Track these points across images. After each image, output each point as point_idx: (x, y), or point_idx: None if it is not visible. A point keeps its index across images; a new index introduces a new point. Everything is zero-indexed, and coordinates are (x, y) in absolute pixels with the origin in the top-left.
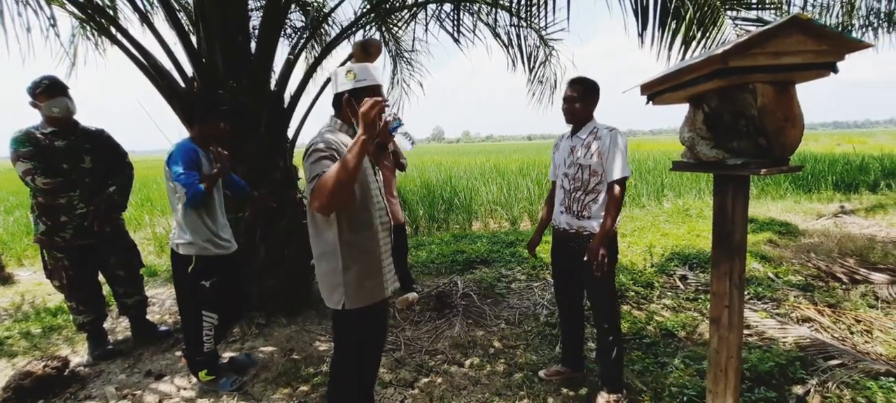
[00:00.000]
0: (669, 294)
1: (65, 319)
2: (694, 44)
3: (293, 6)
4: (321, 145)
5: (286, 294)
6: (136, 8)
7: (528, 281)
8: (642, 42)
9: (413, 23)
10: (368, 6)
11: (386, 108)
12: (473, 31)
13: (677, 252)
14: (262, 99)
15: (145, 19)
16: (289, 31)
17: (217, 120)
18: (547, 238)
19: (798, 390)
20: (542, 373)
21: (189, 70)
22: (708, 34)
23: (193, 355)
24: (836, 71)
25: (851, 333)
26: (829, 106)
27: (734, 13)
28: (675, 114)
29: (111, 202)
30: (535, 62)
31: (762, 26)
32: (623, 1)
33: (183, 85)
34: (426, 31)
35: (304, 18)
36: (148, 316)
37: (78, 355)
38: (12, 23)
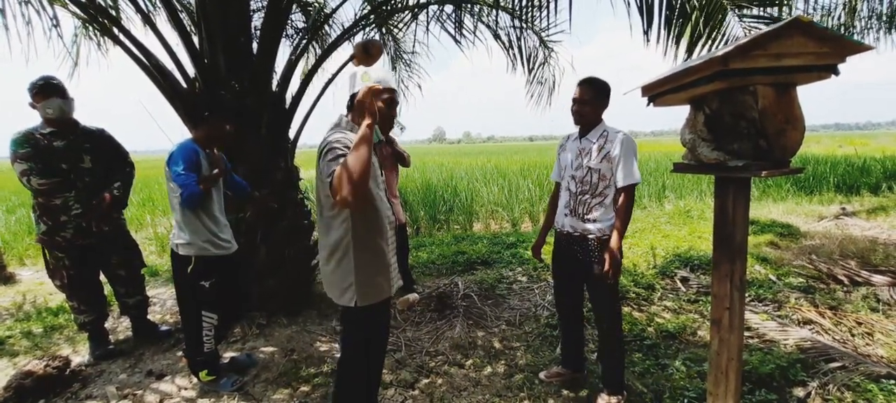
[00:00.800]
0: (670, 295)
1: (66, 319)
2: (701, 42)
3: (294, 7)
4: (338, 144)
5: (287, 294)
6: (138, 8)
7: (529, 283)
8: (647, 40)
9: (414, 24)
10: (369, 7)
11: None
12: (474, 33)
13: (678, 253)
14: (264, 99)
15: (147, 20)
16: (290, 32)
17: (222, 122)
18: (547, 241)
19: (799, 392)
20: (542, 375)
21: (191, 70)
22: (715, 32)
23: (194, 355)
24: (837, 73)
25: (852, 335)
26: (830, 108)
27: (741, 11)
28: (676, 115)
29: (113, 199)
30: (534, 63)
31: (771, 23)
32: None
33: (185, 85)
34: (427, 31)
35: (305, 19)
36: (149, 316)
37: (79, 355)
38: (14, 22)
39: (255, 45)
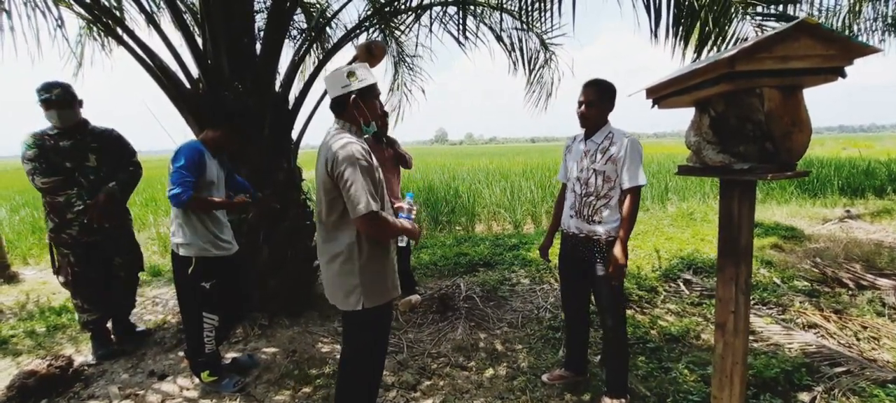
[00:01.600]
0: (674, 298)
1: (69, 318)
2: (710, 41)
3: (297, 8)
4: (361, 156)
5: (288, 295)
6: (142, 9)
7: (532, 284)
8: (656, 39)
9: (417, 25)
10: (372, 8)
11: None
12: (476, 34)
13: (682, 256)
14: (267, 100)
15: (151, 20)
16: (293, 33)
17: (236, 133)
18: (555, 240)
19: (804, 397)
20: (545, 377)
21: (194, 71)
22: (724, 30)
23: (195, 356)
24: (844, 75)
25: (858, 340)
26: (835, 110)
27: (751, 9)
28: (679, 117)
29: (110, 195)
30: (535, 65)
31: (782, 20)
32: None
33: (188, 86)
34: (430, 32)
35: (307, 21)
36: (151, 316)
37: (82, 354)
38: (20, 22)
39: (258, 46)
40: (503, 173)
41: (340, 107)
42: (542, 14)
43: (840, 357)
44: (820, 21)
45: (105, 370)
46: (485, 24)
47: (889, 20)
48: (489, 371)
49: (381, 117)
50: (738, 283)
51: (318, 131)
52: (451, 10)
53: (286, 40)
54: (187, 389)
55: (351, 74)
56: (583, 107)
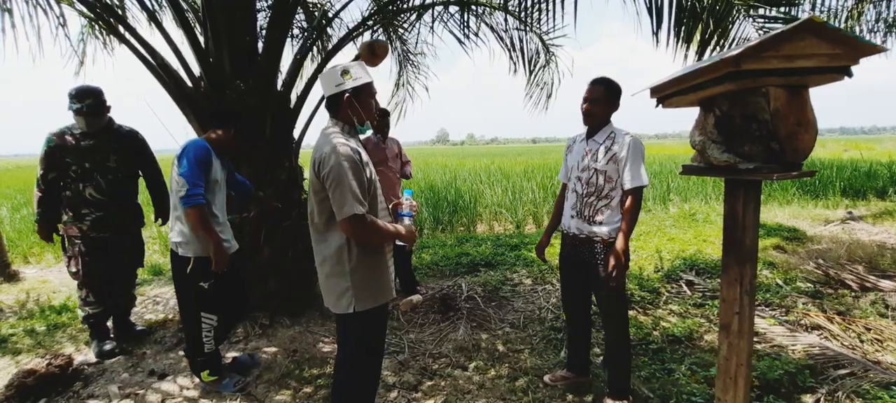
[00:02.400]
0: (676, 299)
1: (69, 317)
2: (712, 43)
3: (299, 7)
4: (349, 157)
5: (289, 294)
6: (144, 7)
7: (534, 285)
8: (657, 41)
9: (419, 24)
10: (375, 7)
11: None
12: (477, 34)
13: (684, 257)
14: (269, 99)
15: (153, 18)
16: (295, 31)
17: (241, 138)
18: (551, 243)
19: (808, 399)
20: (547, 378)
21: (196, 69)
22: (726, 32)
23: (194, 355)
24: (850, 75)
25: (861, 341)
26: (836, 112)
27: (754, 12)
28: (682, 118)
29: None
30: (535, 66)
31: (783, 23)
32: (637, 0)
33: (190, 84)
34: (431, 31)
35: (308, 21)
36: (151, 315)
37: (82, 353)
38: (22, 21)
39: (260, 45)
40: (505, 173)
41: (335, 105)
42: (546, 14)
43: (844, 359)
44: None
45: (105, 369)
46: (486, 23)
47: (891, 22)
48: (491, 372)
49: (378, 117)
50: (743, 284)
51: (319, 130)
52: (453, 9)
53: (288, 39)
54: (187, 388)
55: (345, 73)
56: (588, 104)
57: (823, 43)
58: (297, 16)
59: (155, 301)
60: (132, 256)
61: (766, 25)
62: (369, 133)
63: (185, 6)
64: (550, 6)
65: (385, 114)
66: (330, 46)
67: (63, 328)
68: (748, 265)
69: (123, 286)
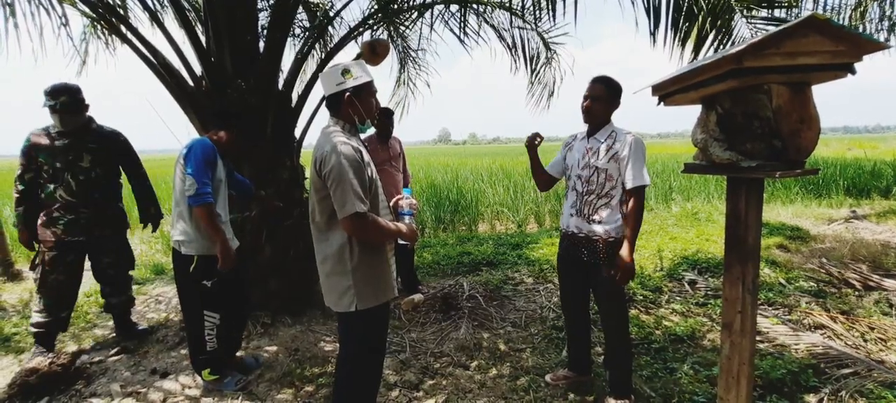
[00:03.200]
0: (678, 298)
1: (72, 316)
2: (707, 43)
3: (300, 6)
4: (350, 156)
5: (291, 293)
6: (145, 6)
7: (535, 284)
8: (654, 41)
9: (420, 23)
10: (376, 6)
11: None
12: (478, 33)
13: (686, 256)
14: (270, 98)
15: (155, 18)
16: (297, 31)
17: (243, 138)
18: (552, 242)
19: (810, 398)
20: (548, 378)
21: (198, 69)
22: (721, 33)
23: (196, 354)
24: (853, 72)
25: (865, 341)
26: (839, 110)
27: (749, 12)
28: (684, 117)
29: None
30: (536, 64)
31: (778, 25)
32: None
33: (192, 84)
34: (432, 30)
35: (310, 20)
36: (154, 313)
37: (84, 352)
38: (25, 21)
39: (261, 45)
40: (506, 173)
41: (336, 104)
42: (547, 13)
43: (847, 359)
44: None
45: (107, 367)
46: (487, 22)
47: (895, 20)
48: (492, 371)
49: (380, 116)
50: (745, 283)
51: (320, 130)
52: (454, 7)
53: (289, 38)
54: (189, 387)
55: (346, 72)
56: (588, 101)
57: (826, 40)
58: (298, 15)
59: (157, 300)
60: (117, 258)
61: (762, 27)
62: (371, 132)
63: (186, 6)
64: (551, 4)
65: (388, 114)
66: (331, 45)
67: None
68: (751, 263)
69: (116, 288)
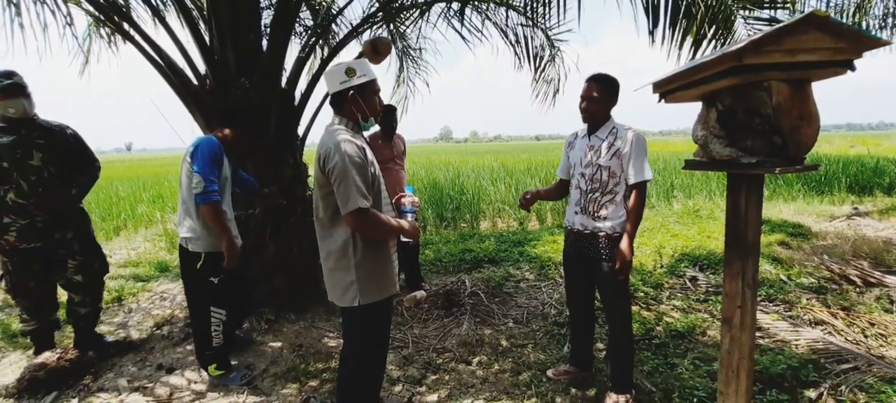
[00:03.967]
0: (679, 295)
1: None
2: (705, 42)
3: (303, 5)
4: (353, 153)
5: (294, 290)
6: (149, 4)
7: (537, 281)
8: (653, 40)
9: (422, 21)
10: (377, 5)
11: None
12: (481, 31)
13: (687, 253)
14: (273, 96)
15: (158, 16)
16: (299, 29)
17: (244, 136)
18: (554, 239)
19: (810, 393)
20: (550, 373)
21: (202, 67)
22: (719, 32)
23: (202, 349)
24: (853, 69)
25: (865, 336)
26: (843, 107)
27: (746, 12)
28: (686, 114)
29: (63, 198)
30: (540, 62)
31: (774, 26)
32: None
33: (196, 82)
34: (434, 28)
35: (314, 18)
36: (158, 311)
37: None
38: (29, 19)
39: (264, 43)
40: (508, 170)
41: (339, 103)
42: (550, 10)
43: (847, 354)
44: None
45: (114, 363)
46: (490, 19)
47: None
48: (494, 367)
49: (383, 113)
50: (745, 278)
51: (323, 127)
52: (456, 5)
53: (292, 37)
54: (195, 382)
55: (350, 71)
56: (585, 101)
57: (826, 37)
58: (300, 14)
59: (162, 296)
60: (86, 262)
61: (759, 27)
62: (376, 129)
63: (189, 4)
64: (553, 1)
65: (392, 110)
66: (334, 43)
67: None
68: (750, 259)
69: (86, 297)
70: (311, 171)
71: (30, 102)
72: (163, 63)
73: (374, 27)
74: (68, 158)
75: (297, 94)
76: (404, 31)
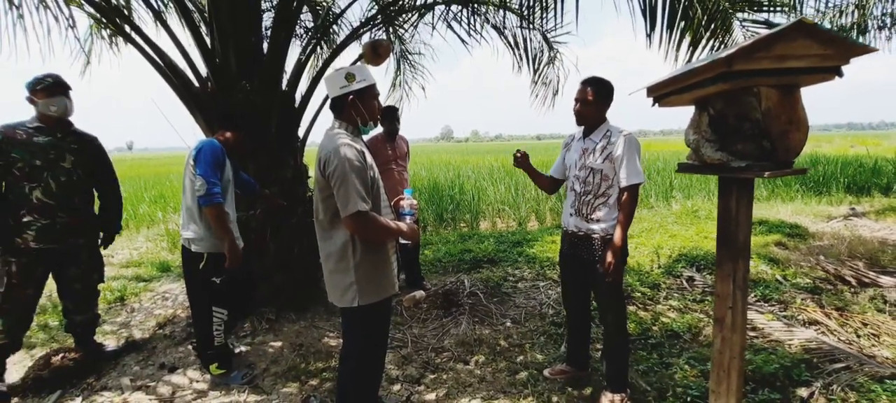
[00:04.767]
0: (676, 295)
1: None
2: (702, 45)
3: (304, 7)
4: (353, 157)
5: (295, 290)
6: (149, 6)
7: (535, 281)
8: (650, 42)
9: (421, 24)
10: (376, 7)
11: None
12: (480, 33)
13: (685, 253)
14: (274, 99)
15: (159, 18)
16: (300, 31)
17: (247, 139)
18: (552, 240)
19: (802, 392)
20: (547, 372)
21: (203, 69)
22: (716, 35)
23: (204, 349)
24: (841, 75)
25: (858, 336)
26: (844, 107)
27: (743, 15)
28: (686, 114)
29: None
30: (539, 63)
31: (771, 28)
32: (631, 1)
33: (197, 84)
34: (433, 31)
35: (314, 20)
36: (161, 310)
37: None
38: (31, 20)
39: (265, 45)
40: (508, 170)
41: (339, 107)
42: (547, 12)
43: (840, 354)
44: (825, 17)
45: (117, 362)
46: (489, 22)
47: None
48: (492, 366)
49: (384, 114)
50: (736, 279)
51: (324, 129)
52: (455, 8)
53: (293, 39)
54: (197, 381)
55: (349, 76)
56: (578, 104)
57: (815, 43)
58: (301, 16)
59: (164, 296)
60: (87, 269)
61: (755, 30)
62: (378, 131)
63: (190, 6)
64: (550, 3)
65: (393, 111)
66: (334, 46)
67: None
68: (741, 260)
69: (81, 304)
70: (312, 173)
71: (71, 102)
72: (164, 64)
73: (374, 30)
74: (93, 165)
75: (298, 96)
76: (403, 34)
